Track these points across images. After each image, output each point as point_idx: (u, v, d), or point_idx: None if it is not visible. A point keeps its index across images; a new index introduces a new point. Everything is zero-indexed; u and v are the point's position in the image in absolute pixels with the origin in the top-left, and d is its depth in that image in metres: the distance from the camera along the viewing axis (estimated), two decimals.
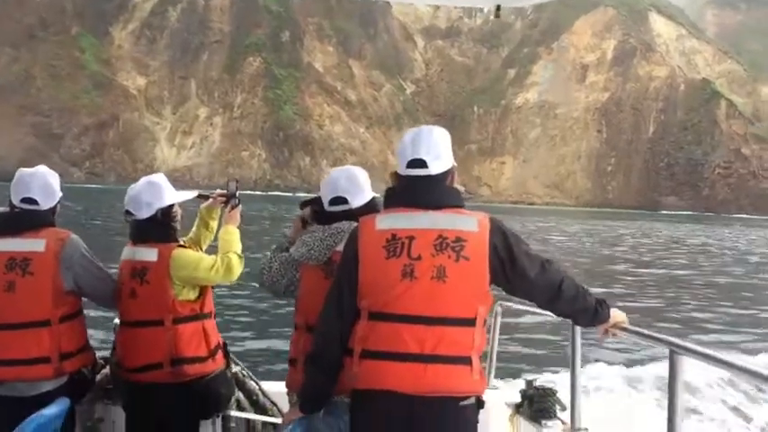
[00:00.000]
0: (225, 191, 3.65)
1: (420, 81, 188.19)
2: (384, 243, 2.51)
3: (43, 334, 3.19)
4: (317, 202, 3.06)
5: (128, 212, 3.37)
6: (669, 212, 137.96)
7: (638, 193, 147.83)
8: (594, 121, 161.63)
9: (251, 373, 4.12)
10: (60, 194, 3.40)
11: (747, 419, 8.96)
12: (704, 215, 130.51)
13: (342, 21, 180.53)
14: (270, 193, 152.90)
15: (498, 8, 3.46)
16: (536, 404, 3.96)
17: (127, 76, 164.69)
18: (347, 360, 2.59)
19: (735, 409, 9.05)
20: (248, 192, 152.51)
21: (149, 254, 3.32)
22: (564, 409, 3.88)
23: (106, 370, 3.63)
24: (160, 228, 3.36)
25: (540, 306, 2.73)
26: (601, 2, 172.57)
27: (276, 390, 3.98)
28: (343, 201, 2.91)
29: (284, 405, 3.35)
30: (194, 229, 3.79)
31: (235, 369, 3.90)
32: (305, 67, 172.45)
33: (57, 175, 3.42)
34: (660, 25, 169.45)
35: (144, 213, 3.33)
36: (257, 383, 4.07)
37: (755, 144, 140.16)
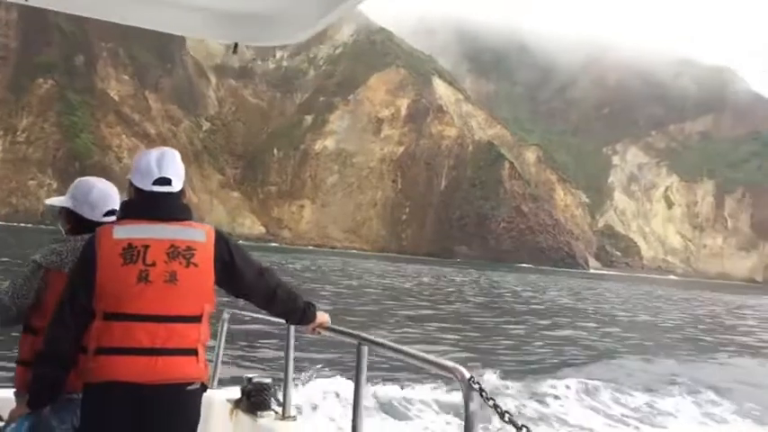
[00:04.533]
0: None
1: (215, 119, 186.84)
2: (120, 251, 2.85)
3: None
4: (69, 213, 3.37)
5: None
6: (460, 260, 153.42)
7: (432, 241, 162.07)
8: (390, 172, 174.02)
9: None
10: None
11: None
12: (490, 263, 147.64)
13: (138, 50, 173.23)
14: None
15: (236, 46, 3.81)
16: (253, 398, 4.51)
17: None
18: (81, 357, 2.89)
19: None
20: (39, 225, 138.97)
21: None
22: (278, 402, 4.56)
23: None
24: None
25: (258, 306, 3.36)
26: (392, 62, 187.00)
27: None
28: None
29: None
30: None
31: None
32: (99, 94, 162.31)
33: None
34: (442, 89, 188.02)
35: None
36: None
37: (532, 203, 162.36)
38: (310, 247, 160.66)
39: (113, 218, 3.20)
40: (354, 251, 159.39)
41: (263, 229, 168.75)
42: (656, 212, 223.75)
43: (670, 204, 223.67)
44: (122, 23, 3.69)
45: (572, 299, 53.30)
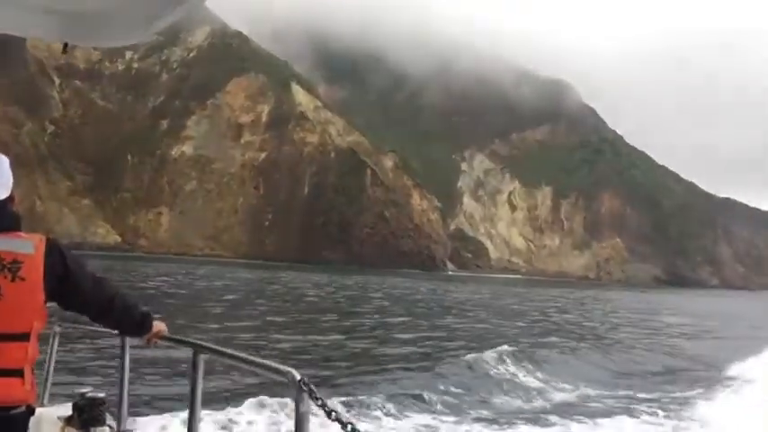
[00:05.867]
0: None
1: (60, 122, 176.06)
2: None
3: None
4: None
5: None
6: (324, 265, 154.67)
7: (296, 247, 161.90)
8: (251, 179, 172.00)
9: None
10: None
11: None
12: (355, 268, 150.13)
13: None
14: None
15: (66, 45, 3.67)
16: (86, 414, 4.31)
17: None
18: None
19: None
20: None
21: None
22: (113, 416, 4.43)
23: None
24: None
25: (92, 319, 3.15)
26: (251, 67, 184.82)
27: None
28: None
29: None
30: None
31: None
32: None
33: None
34: (301, 95, 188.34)
35: None
36: None
37: (393, 208, 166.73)
38: (170, 256, 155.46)
39: None
40: (216, 259, 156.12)
41: (118, 238, 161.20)
42: (500, 216, 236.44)
43: (513, 208, 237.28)
44: None
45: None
